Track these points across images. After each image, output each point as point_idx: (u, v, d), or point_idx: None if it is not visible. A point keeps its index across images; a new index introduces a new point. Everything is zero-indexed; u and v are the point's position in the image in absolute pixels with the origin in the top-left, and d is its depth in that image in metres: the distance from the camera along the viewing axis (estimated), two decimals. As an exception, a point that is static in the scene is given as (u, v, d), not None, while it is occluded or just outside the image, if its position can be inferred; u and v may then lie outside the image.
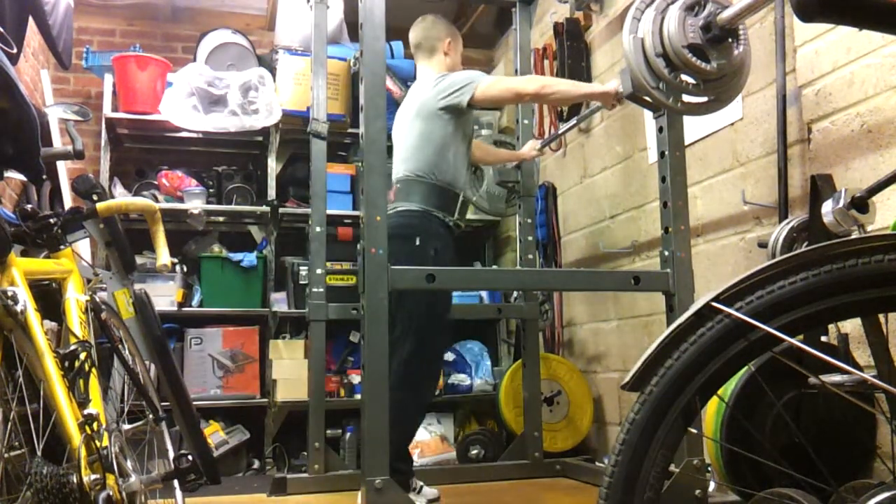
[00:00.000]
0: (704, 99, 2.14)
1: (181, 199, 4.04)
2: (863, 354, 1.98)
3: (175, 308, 3.91)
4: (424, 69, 2.95)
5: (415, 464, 3.64)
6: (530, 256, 3.38)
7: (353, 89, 4.18)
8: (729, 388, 1.97)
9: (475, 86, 2.69)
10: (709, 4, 2.01)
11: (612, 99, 2.55)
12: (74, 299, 1.74)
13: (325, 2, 3.38)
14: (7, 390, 1.45)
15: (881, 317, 1.41)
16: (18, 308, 1.44)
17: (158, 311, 2.31)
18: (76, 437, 1.39)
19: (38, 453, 1.35)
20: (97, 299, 1.90)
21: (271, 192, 4.15)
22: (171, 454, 2.03)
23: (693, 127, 2.81)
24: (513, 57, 3.53)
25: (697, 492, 2.25)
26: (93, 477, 1.34)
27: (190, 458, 1.82)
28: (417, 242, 2.62)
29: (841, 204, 1.44)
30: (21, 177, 2.76)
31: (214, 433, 3.72)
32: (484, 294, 4.28)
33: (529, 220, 3.41)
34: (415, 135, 2.79)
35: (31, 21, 2.98)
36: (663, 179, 2.50)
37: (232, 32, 4.33)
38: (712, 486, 2.37)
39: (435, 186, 2.75)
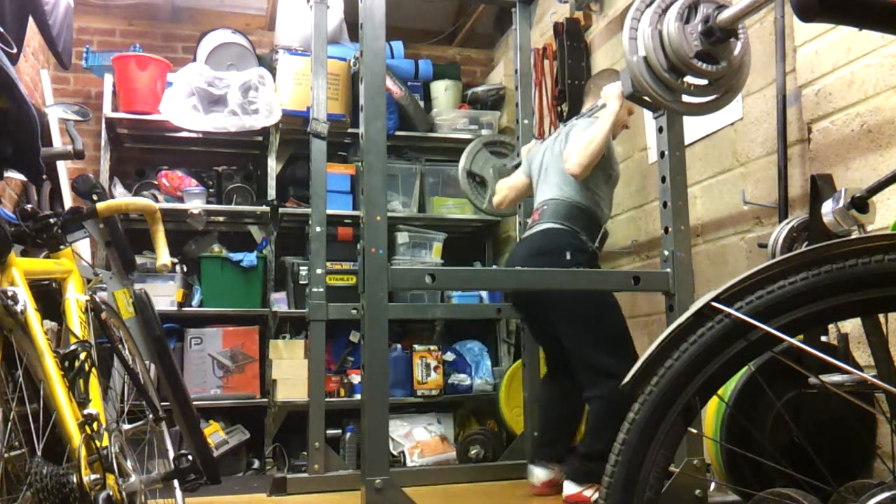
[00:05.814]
0: (704, 99, 2.14)
1: (181, 199, 4.04)
2: (863, 354, 1.98)
3: (175, 308, 3.91)
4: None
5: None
6: (530, 256, 3.37)
7: (353, 89, 4.18)
8: (729, 388, 1.97)
9: None
10: (709, 4, 2.01)
11: (623, 102, 2.64)
12: (74, 299, 1.74)
13: (325, 2, 3.37)
14: (7, 390, 1.45)
15: (881, 317, 1.41)
16: (18, 308, 1.44)
17: (158, 311, 2.31)
18: (76, 437, 1.39)
19: (38, 453, 1.35)
20: (97, 299, 1.90)
21: (271, 192, 4.15)
22: (171, 454, 2.03)
23: (693, 127, 2.81)
24: (513, 57, 3.53)
25: (697, 492, 2.25)
26: (93, 477, 1.34)
27: (190, 457, 1.82)
28: (568, 257, 2.69)
29: (841, 204, 1.43)
30: (21, 177, 2.76)
31: (214, 433, 3.72)
32: (484, 294, 4.27)
33: (529, 221, 3.40)
34: None
35: (31, 21, 2.98)
36: (663, 179, 2.50)
37: (232, 32, 4.32)
38: (712, 486, 2.37)
39: (589, 214, 2.82)
